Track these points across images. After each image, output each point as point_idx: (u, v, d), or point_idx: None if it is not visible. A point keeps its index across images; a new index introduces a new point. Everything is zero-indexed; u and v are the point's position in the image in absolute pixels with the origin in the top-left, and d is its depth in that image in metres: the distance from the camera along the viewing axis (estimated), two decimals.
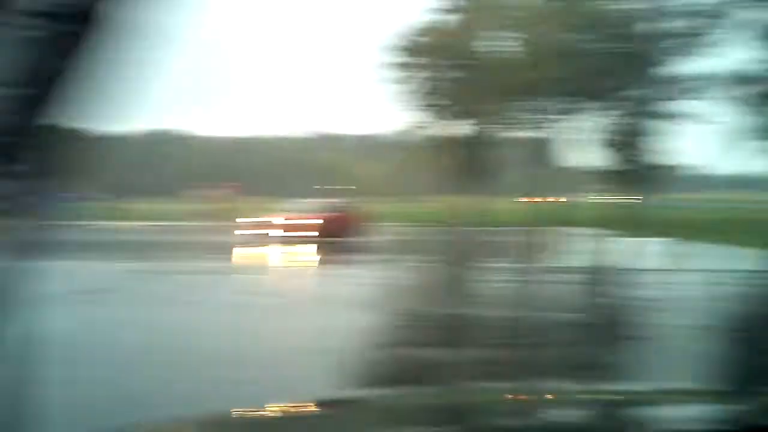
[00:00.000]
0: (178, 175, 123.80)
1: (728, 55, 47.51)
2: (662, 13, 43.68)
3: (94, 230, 34.84)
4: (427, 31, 47.11)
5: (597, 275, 19.56)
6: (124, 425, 2.35)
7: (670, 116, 47.54)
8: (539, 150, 50.60)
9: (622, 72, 43.55)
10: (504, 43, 47.63)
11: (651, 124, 43.66)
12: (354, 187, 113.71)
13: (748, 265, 21.05)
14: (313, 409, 2.59)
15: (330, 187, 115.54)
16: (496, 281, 17.83)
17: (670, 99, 47.26)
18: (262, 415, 2.44)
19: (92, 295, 13.69)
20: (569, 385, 3.94)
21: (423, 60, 47.13)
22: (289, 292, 15.43)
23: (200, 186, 53.59)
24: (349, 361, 8.61)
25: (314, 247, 26.37)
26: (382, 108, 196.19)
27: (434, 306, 13.97)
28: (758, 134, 48.61)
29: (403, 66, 47.56)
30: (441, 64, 47.30)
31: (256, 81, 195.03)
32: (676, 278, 17.50)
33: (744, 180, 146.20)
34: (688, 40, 46.43)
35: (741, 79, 47.04)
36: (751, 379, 6.85)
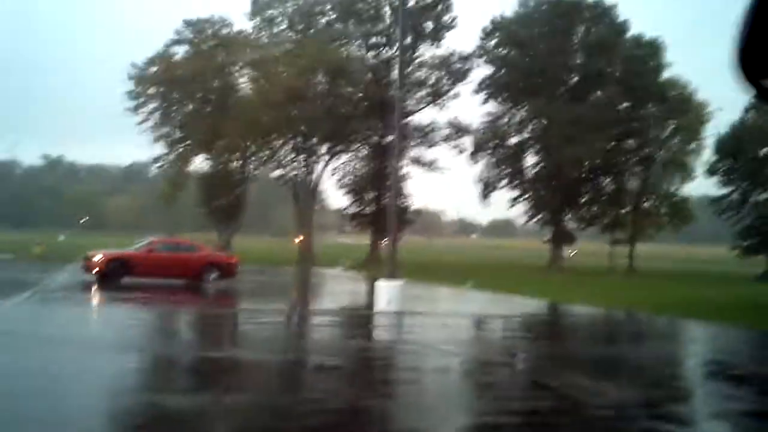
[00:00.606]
0: None
1: (458, 108, 51.09)
2: (408, 63, 45.95)
3: None
4: (164, 63, 45.68)
5: (350, 317, 20.03)
6: None
7: (417, 162, 50.24)
8: (292, 190, 51.17)
9: (369, 117, 45.09)
10: (248, 82, 47.52)
11: (398, 168, 45.51)
12: (86, 219, 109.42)
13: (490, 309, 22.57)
14: None
15: (86, 218, 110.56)
16: (253, 322, 17.73)
17: (416, 145, 50.00)
18: None
19: None
20: None
21: (161, 91, 45.68)
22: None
23: None
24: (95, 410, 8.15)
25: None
26: (133, 140, 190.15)
27: (190, 350, 13.61)
28: (482, 183, 52.84)
29: (144, 97, 45.84)
30: (180, 97, 46.26)
31: None
32: (419, 320, 18.15)
33: (498, 225, 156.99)
34: (430, 90, 49.58)
35: (463, 130, 51.24)
36: None
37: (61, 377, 9.76)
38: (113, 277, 25.32)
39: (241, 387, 10.12)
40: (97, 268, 25.72)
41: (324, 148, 50.03)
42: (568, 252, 55.34)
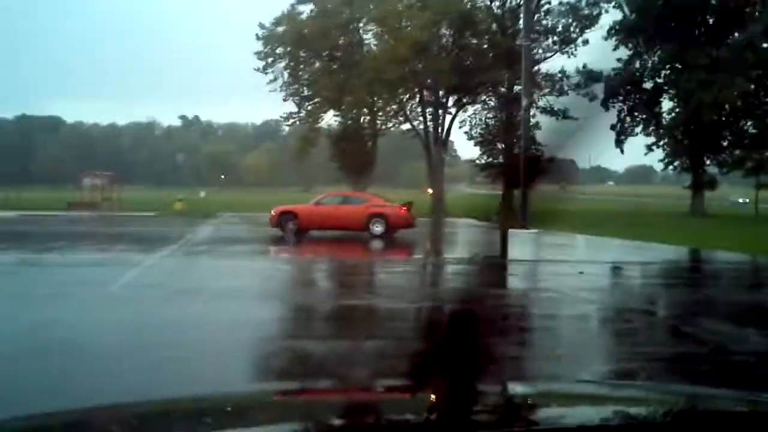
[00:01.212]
0: (50, 163, 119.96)
1: (587, 54, 49.56)
2: (534, 11, 44.93)
3: None
4: (290, 22, 46.36)
5: (482, 266, 20.05)
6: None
7: (548, 111, 49.40)
8: (422, 142, 51.25)
9: (496, 67, 44.52)
10: (374, 37, 47.64)
11: (528, 118, 44.91)
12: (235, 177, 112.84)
13: (632, 257, 22.19)
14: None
15: (224, 176, 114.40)
16: (393, 272, 18.01)
17: (545, 94, 49.15)
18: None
19: None
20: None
21: (289, 50, 46.49)
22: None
23: (83, 175, 51.55)
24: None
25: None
26: (264, 98, 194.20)
27: (327, 298, 14.00)
28: (616, 130, 51.34)
29: (273, 56, 46.76)
30: (308, 55, 46.92)
31: (127, 67, 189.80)
32: (555, 269, 18.04)
33: (635, 172, 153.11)
34: (558, 38, 48.49)
35: (594, 77, 49.85)
36: None
37: (208, 326, 10.23)
38: (285, 230, 27.16)
39: (379, 333, 10.36)
40: (272, 222, 27.97)
41: (451, 101, 49.87)
42: (742, 199, 53.40)
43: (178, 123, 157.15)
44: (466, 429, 1.67)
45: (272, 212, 28.43)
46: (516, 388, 2.58)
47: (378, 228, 27.34)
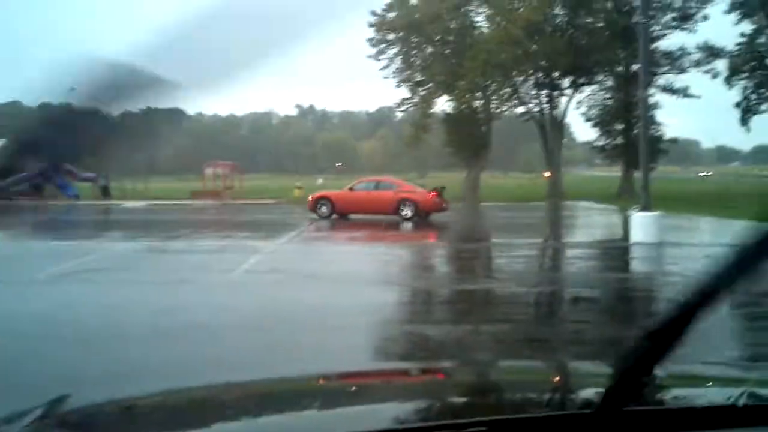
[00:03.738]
0: (174, 154, 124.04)
1: (707, 30, 47.41)
2: None
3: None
4: (401, 7, 46.02)
5: (605, 249, 19.78)
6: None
7: (667, 90, 47.96)
8: (537, 125, 50.60)
9: (612, 46, 43.53)
10: (486, 20, 47.09)
11: (644, 98, 43.74)
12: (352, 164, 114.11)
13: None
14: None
15: (340, 163, 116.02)
16: (514, 256, 17.92)
17: (664, 72, 47.69)
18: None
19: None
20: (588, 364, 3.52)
21: (400, 36, 46.38)
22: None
23: (205, 165, 53.53)
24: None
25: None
26: (378, 85, 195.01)
27: (445, 283, 14.06)
28: (741, 107, 49.14)
29: (385, 43, 46.88)
30: (419, 40, 46.67)
31: (239, 55, 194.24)
32: (680, 252, 17.56)
33: (763, 151, 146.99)
34: (677, 14, 46.89)
35: (716, 53, 47.89)
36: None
37: (329, 309, 10.43)
38: (320, 214, 28.69)
39: (499, 318, 10.32)
40: (309, 207, 29.52)
41: (567, 82, 48.94)
42: None
43: (294, 112, 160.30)
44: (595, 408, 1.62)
45: (309, 197, 30.25)
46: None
47: (407, 212, 27.84)
